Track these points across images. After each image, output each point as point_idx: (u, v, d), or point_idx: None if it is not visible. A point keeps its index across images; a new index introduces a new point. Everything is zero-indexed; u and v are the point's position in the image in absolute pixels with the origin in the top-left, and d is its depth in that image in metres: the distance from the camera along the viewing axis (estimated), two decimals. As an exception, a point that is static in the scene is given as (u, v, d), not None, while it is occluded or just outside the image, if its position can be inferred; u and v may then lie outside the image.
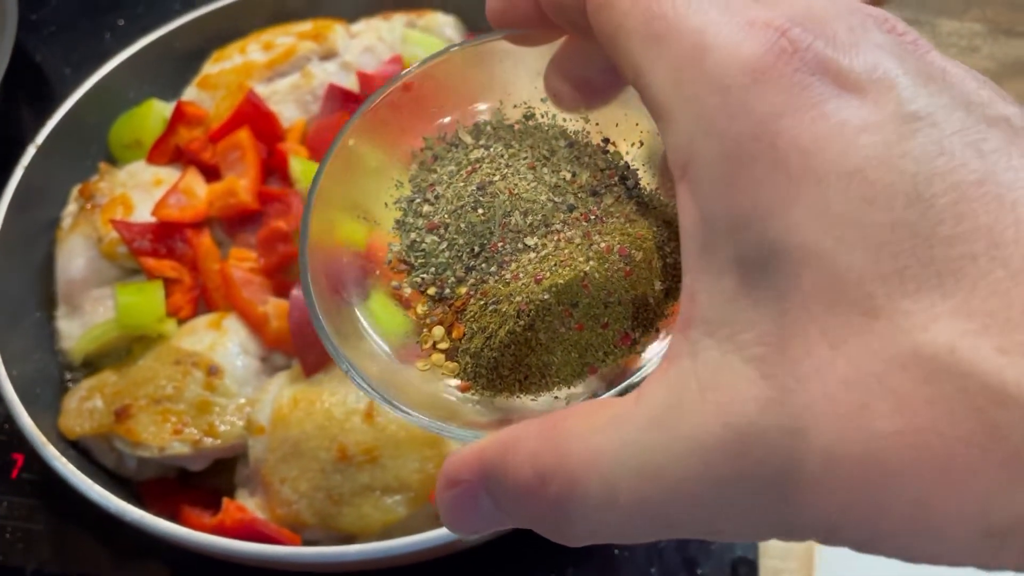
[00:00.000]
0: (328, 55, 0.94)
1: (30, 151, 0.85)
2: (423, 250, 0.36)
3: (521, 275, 0.34)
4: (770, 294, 0.23)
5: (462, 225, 0.35)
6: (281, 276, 0.79)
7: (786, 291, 0.23)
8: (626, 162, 0.38)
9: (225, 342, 0.73)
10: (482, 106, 0.39)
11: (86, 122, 0.91)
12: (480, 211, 0.35)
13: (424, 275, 0.36)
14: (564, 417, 0.27)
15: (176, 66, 0.98)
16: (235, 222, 0.82)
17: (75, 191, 0.87)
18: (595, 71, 0.34)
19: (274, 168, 0.86)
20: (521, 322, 0.33)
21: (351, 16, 1.01)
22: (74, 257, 0.82)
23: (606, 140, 0.38)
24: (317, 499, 0.67)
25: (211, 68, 0.94)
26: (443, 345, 0.35)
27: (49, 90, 1.13)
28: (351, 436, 0.68)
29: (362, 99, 0.90)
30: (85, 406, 0.73)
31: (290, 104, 0.91)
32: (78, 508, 0.79)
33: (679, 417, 0.24)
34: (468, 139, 0.38)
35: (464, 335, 0.34)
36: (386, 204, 0.38)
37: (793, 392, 0.22)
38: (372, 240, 0.38)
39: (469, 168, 0.37)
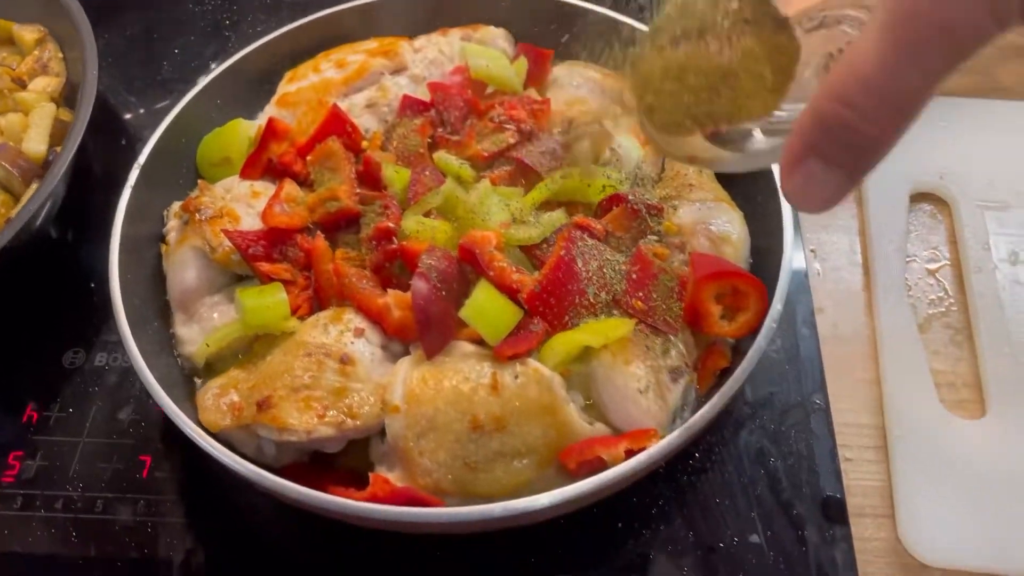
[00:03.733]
0: (398, 70, 1.01)
1: (134, 172, 0.90)
2: None
3: None
4: None
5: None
6: (387, 271, 0.85)
7: None
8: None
9: (350, 333, 0.79)
10: None
11: (172, 145, 0.97)
12: None
13: None
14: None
15: (248, 87, 1.04)
16: (335, 225, 0.88)
17: (175, 207, 0.92)
18: None
19: (360, 176, 0.92)
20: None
21: (401, 33, 1.08)
22: (186, 268, 0.87)
23: None
24: (455, 467, 0.74)
25: (288, 87, 1.01)
26: None
27: (116, 118, 1.18)
28: (481, 408, 0.74)
29: (433, 107, 0.97)
30: (222, 402, 0.78)
31: (367, 116, 0.97)
32: (214, 498, 0.85)
33: None
34: None
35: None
36: None
37: None
38: None
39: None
